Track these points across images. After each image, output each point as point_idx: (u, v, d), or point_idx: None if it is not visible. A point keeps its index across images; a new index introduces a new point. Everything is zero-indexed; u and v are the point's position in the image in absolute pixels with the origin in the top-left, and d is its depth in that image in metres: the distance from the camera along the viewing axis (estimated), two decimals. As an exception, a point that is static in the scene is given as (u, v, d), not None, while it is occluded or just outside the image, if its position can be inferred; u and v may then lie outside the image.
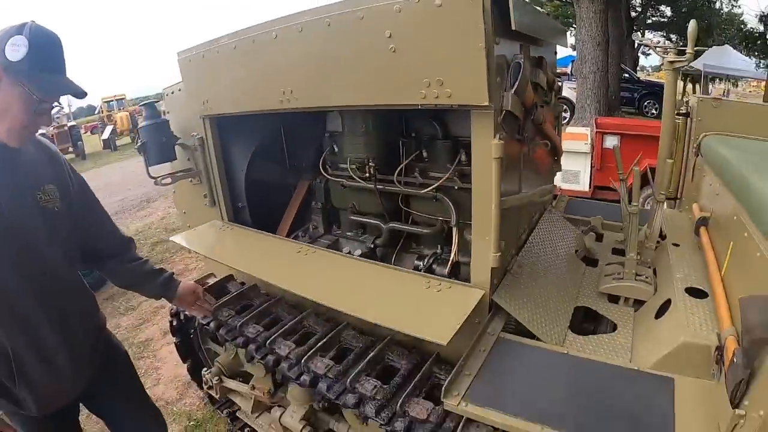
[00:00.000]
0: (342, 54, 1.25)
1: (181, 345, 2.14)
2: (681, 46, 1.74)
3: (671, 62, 1.69)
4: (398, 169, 1.65)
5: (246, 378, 1.95)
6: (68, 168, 1.32)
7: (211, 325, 1.66)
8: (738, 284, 1.18)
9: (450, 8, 1.06)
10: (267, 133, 2.02)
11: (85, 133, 19.81)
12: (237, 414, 2.18)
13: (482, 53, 1.06)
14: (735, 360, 0.91)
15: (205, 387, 1.99)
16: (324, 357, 1.43)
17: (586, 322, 1.59)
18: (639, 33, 18.25)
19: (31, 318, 1.20)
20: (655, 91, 13.12)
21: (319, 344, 1.46)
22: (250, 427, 2.07)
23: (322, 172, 1.90)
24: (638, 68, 23.44)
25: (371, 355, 1.39)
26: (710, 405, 1.02)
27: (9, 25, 1.10)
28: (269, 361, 1.49)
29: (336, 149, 1.85)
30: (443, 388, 1.14)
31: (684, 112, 2.12)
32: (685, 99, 2.20)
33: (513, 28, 1.17)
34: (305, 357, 1.40)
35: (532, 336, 1.36)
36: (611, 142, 4.34)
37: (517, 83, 1.26)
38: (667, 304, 1.36)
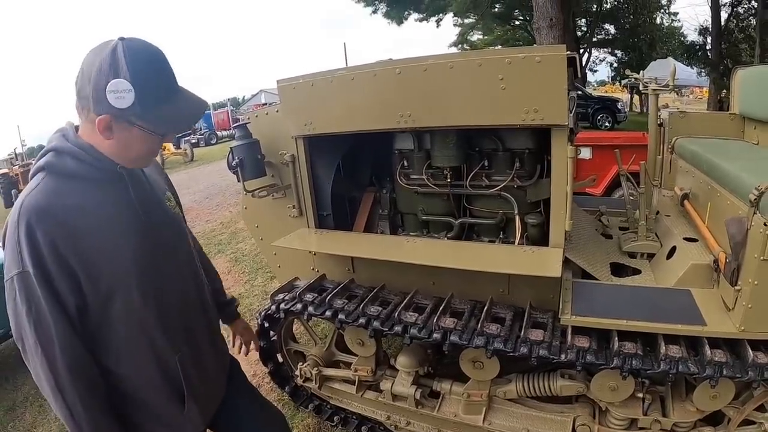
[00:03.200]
0: (461, 88, 2.38)
1: (265, 349, 3.00)
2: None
3: (654, 90, 3.10)
4: (470, 175, 2.81)
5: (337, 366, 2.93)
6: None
7: (328, 313, 2.62)
8: (717, 227, 2.50)
9: (545, 63, 2.24)
10: (345, 151, 3.01)
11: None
12: (323, 406, 3.09)
13: (565, 91, 2.27)
14: (728, 260, 2.18)
15: (300, 381, 2.91)
16: (445, 317, 2.50)
17: (614, 273, 2.86)
18: (586, 51, 23.05)
19: (191, 321, 1.61)
20: (606, 105, 17.46)
21: (440, 309, 2.50)
22: (339, 414, 3.01)
23: (399, 182, 2.96)
24: (586, 84, 28.60)
25: (485, 309, 2.46)
26: (715, 298, 2.28)
27: (96, 56, 1.26)
28: (398, 330, 2.45)
29: (407, 164, 2.95)
30: (559, 312, 2.28)
31: (659, 123, 3.61)
32: (659, 114, 3.64)
33: (578, 77, 2.45)
34: (436, 318, 2.40)
35: (590, 278, 2.59)
36: (585, 153, 6.12)
37: (573, 109, 2.52)
38: (673, 250, 2.66)
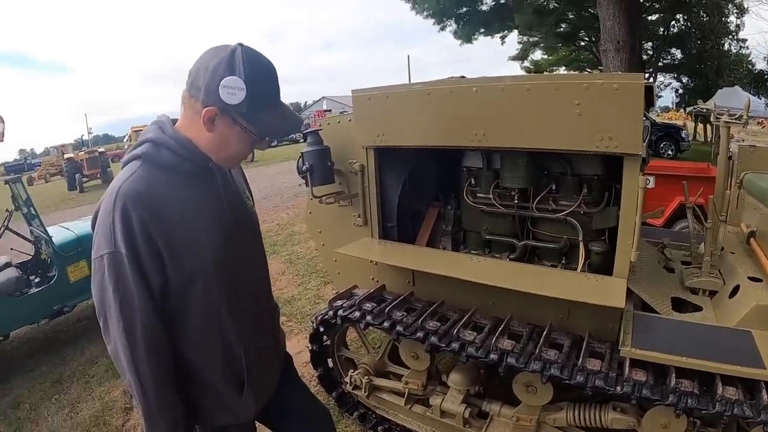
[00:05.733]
0: (537, 110, 2.41)
1: (316, 353, 3.09)
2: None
3: (726, 122, 3.08)
4: (537, 198, 2.82)
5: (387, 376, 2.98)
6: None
7: (386, 323, 2.67)
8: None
9: (622, 91, 2.26)
10: (414, 165, 3.08)
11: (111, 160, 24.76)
12: (368, 414, 3.14)
13: (641, 120, 2.29)
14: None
15: (349, 387, 2.98)
16: (503, 338, 2.52)
17: (675, 308, 2.83)
18: (651, 75, 22.93)
19: (258, 314, 1.72)
20: (670, 133, 16.95)
21: (499, 330, 2.52)
22: (384, 425, 3.05)
23: (465, 199, 3.01)
24: (650, 110, 28.45)
25: (544, 334, 2.47)
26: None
27: (215, 54, 1.37)
28: (455, 348, 2.47)
29: (474, 181, 2.99)
30: (618, 342, 2.28)
31: (728, 156, 3.56)
32: (729, 147, 3.60)
33: (654, 106, 2.46)
34: (494, 339, 2.43)
35: (650, 312, 2.57)
36: (649, 179, 6.05)
37: (647, 139, 2.53)
38: (736, 289, 2.61)
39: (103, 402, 4.09)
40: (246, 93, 1.35)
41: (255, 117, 1.41)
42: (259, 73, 1.39)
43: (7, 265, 5.35)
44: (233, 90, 1.34)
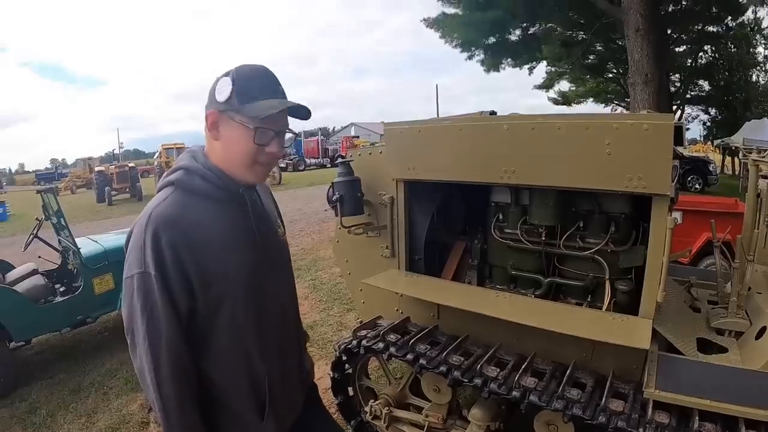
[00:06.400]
0: (567, 149, 2.43)
1: (337, 380, 3.10)
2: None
3: (755, 160, 3.07)
4: (565, 235, 2.83)
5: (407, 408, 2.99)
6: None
7: (409, 356, 2.68)
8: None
9: (652, 131, 2.26)
10: (443, 198, 3.12)
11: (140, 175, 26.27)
12: None
13: (670, 161, 2.30)
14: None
15: (368, 417, 2.98)
16: (526, 376, 2.51)
17: (700, 348, 2.80)
18: (679, 108, 22.91)
19: (285, 340, 1.72)
20: (697, 166, 16.77)
21: (522, 367, 2.52)
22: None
23: (492, 234, 3.02)
24: None
25: (567, 373, 2.46)
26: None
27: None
28: (478, 383, 2.47)
29: (502, 217, 3.01)
30: (642, 384, 2.27)
31: (756, 194, 3.54)
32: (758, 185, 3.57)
33: (684, 146, 2.48)
34: (517, 376, 2.43)
35: (674, 352, 2.55)
36: (676, 216, 5.98)
37: (676, 179, 2.54)
38: (763, 330, 2.59)
39: (121, 415, 4.13)
40: (232, 86, 1.43)
41: (246, 107, 1.44)
42: (247, 70, 1.48)
43: (34, 272, 5.48)
44: (222, 88, 1.44)
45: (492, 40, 18.38)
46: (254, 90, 1.46)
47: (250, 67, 1.50)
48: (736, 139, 16.96)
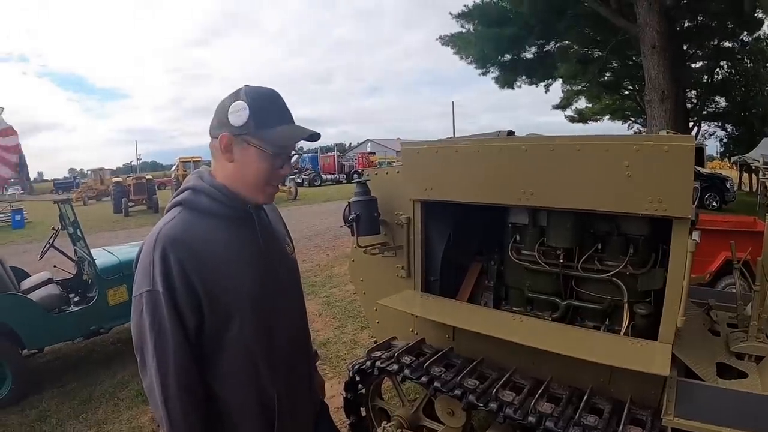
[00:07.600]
0: (586, 171, 2.41)
1: (350, 401, 3.07)
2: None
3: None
4: (583, 257, 2.80)
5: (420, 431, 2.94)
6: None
7: (423, 378, 2.64)
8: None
9: (673, 153, 2.24)
10: (459, 219, 3.10)
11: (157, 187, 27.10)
12: None
13: (691, 183, 2.27)
14: None
15: (381, 438, 2.96)
16: (543, 401, 2.47)
17: (719, 373, 2.75)
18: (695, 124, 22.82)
19: (294, 360, 1.71)
20: (715, 183, 16.65)
21: (539, 392, 2.47)
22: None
23: (509, 255, 2.99)
24: None
25: (584, 399, 2.42)
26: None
27: (224, 98, 1.52)
28: (493, 408, 2.43)
29: (519, 238, 2.97)
30: (661, 410, 2.22)
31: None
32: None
33: (703, 166, 2.44)
34: (533, 401, 2.39)
35: (692, 376, 2.51)
36: (695, 238, 5.89)
37: (696, 201, 2.51)
38: None
39: (131, 427, 4.12)
40: (249, 111, 1.45)
41: (263, 133, 1.48)
42: (260, 94, 1.51)
43: (49, 281, 5.52)
44: (238, 112, 1.46)
45: (507, 57, 18.43)
46: (270, 115, 1.51)
47: (260, 91, 1.52)
48: (754, 156, 16.81)
